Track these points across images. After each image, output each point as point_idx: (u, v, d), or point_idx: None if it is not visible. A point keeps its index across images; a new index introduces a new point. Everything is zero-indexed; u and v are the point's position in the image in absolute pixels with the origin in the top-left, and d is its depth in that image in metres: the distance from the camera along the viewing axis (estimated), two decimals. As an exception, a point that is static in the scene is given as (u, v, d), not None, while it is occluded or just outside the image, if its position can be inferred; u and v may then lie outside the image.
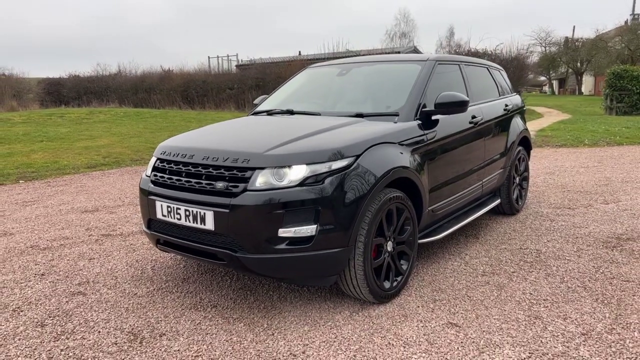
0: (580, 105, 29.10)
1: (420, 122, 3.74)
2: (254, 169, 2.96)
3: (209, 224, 3.00)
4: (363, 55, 24.32)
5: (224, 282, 3.73)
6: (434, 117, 3.84)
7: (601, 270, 3.85)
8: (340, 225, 2.96)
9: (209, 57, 32.48)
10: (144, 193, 3.42)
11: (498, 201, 5.04)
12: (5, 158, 10.08)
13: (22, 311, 3.32)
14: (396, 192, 3.30)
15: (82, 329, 3.05)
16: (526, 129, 5.55)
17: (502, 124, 4.98)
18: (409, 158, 3.46)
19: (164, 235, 3.32)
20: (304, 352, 2.74)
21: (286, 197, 2.88)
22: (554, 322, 3.04)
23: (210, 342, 2.87)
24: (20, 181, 8.30)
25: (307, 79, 4.80)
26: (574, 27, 61.25)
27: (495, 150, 4.85)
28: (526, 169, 5.66)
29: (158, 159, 3.46)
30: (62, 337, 2.96)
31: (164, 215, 3.25)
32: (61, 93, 31.37)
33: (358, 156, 3.11)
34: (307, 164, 2.96)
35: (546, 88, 59.01)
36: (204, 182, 3.08)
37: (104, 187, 7.70)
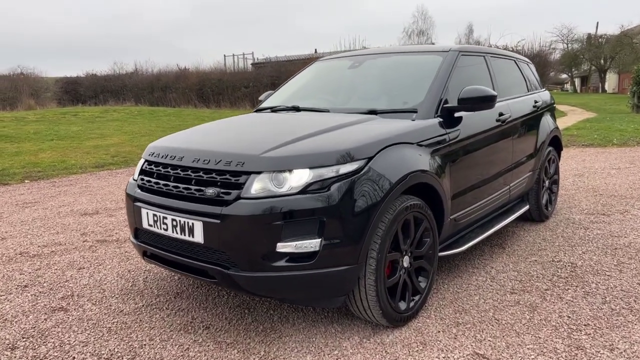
0: (604, 103, 28.16)
1: (441, 119, 3.31)
2: (249, 173, 2.57)
3: (198, 236, 2.61)
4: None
5: (220, 299, 3.35)
6: (456, 115, 3.41)
7: (648, 289, 3.38)
8: (349, 238, 2.55)
9: (224, 56, 32.26)
10: (130, 199, 3.05)
11: (527, 207, 4.57)
12: (13, 157, 9.87)
13: (-6, 330, 2.97)
14: (414, 200, 2.88)
15: (56, 354, 2.69)
16: (557, 128, 5.06)
17: (531, 122, 4.51)
18: (429, 160, 3.03)
19: (151, 247, 2.94)
20: (304, 389, 2.35)
21: (286, 206, 2.48)
22: (599, 355, 2.59)
23: (197, 374, 2.48)
24: (26, 181, 8.06)
25: (316, 73, 4.39)
26: (598, 23, 59.88)
27: (524, 151, 4.39)
28: (556, 172, 5.17)
29: (146, 160, 3.09)
30: (32, 363, 2.60)
31: (149, 225, 2.87)
32: (78, 92, 31.45)
33: (370, 159, 2.69)
34: (311, 168, 2.56)
35: (568, 86, 57.60)
36: (193, 187, 2.70)
37: (109, 187, 7.40)
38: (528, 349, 2.66)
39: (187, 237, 2.66)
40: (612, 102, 28.82)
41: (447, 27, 69.27)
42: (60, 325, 3.02)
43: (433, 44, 29.11)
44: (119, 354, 2.68)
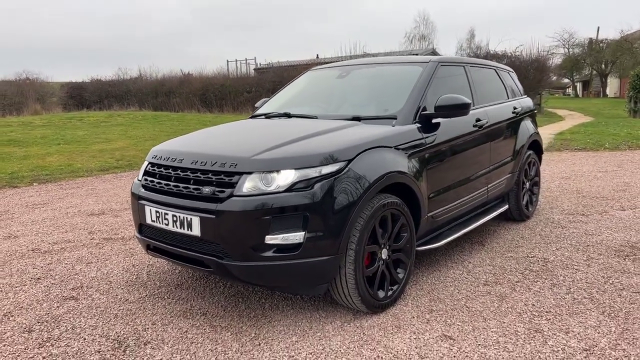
0: (604, 107, 28.42)
1: (419, 125, 3.62)
2: (241, 173, 2.89)
3: (196, 230, 2.93)
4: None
5: (217, 289, 3.66)
6: (434, 121, 3.71)
7: (611, 281, 3.67)
8: (330, 232, 2.86)
9: (227, 61, 32.69)
10: (135, 197, 3.37)
11: (505, 207, 4.87)
12: (21, 161, 10.22)
13: (12, 316, 3.29)
14: (391, 198, 3.19)
15: (68, 336, 3.00)
16: (537, 133, 5.36)
17: (510, 127, 4.82)
18: (406, 162, 3.34)
19: (154, 240, 3.26)
20: (288, 364, 2.65)
21: (273, 203, 2.79)
22: (555, 336, 2.89)
23: (195, 352, 2.79)
24: (34, 184, 8.39)
25: (308, 81, 4.71)
26: (598, 28, 60.10)
27: (503, 154, 4.69)
28: (537, 174, 5.47)
29: (149, 162, 3.41)
30: (47, 343, 2.91)
31: (152, 221, 3.19)
32: (83, 97, 31.87)
33: (350, 161, 3.00)
34: (296, 169, 2.87)
35: (570, 90, 57.84)
36: (191, 186, 3.01)
37: (114, 189, 7.72)
38: (492, 331, 2.95)
39: (186, 231, 2.98)
40: (612, 106, 29.07)
41: (448, 31, 69.58)
42: (72, 312, 3.33)
43: (434, 49, 29.48)
44: (125, 335, 2.99)
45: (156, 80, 31.95)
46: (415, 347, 2.79)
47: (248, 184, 2.86)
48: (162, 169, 3.25)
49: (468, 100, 3.66)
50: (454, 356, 2.69)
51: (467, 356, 2.69)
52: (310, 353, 2.75)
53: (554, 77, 56.64)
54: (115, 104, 29.93)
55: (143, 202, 3.27)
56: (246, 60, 30.81)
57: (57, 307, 3.42)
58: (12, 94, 28.11)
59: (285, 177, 2.85)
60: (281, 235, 2.80)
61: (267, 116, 4.18)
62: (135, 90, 31.03)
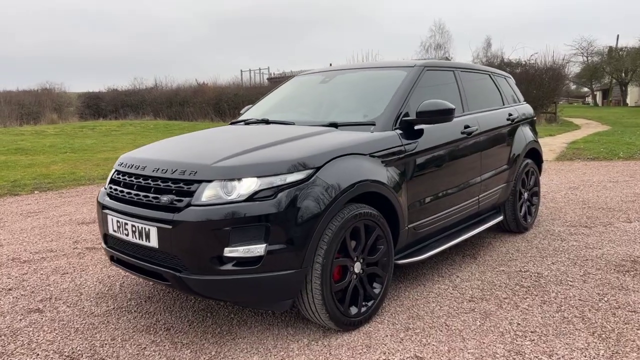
0: (622, 116, 27.74)
1: (401, 132, 3.44)
2: (200, 181, 2.73)
3: (153, 241, 2.78)
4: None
5: (187, 303, 3.50)
6: (417, 127, 3.53)
7: (606, 299, 3.42)
8: (293, 244, 2.69)
9: (241, 71, 32.89)
10: (100, 206, 3.24)
11: (500, 218, 4.63)
12: (26, 169, 10.25)
13: (-29, 329, 3.17)
14: (365, 208, 3.00)
15: (22, 351, 2.87)
16: (535, 141, 5.12)
17: (504, 134, 4.60)
18: (382, 171, 3.16)
19: (116, 252, 3.12)
20: (242, 386, 2.47)
21: (233, 213, 2.63)
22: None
23: (147, 371, 2.63)
24: (35, 192, 8.37)
25: (293, 87, 4.56)
26: (618, 35, 59.02)
27: (496, 163, 4.47)
28: (536, 184, 5.22)
29: (116, 170, 3.29)
30: (-1, 359, 2.78)
31: (114, 231, 3.06)
32: (100, 106, 32.29)
33: (318, 169, 2.83)
34: (259, 177, 2.71)
35: (589, 99, 56.80)
36: (151, 195, 2.87)
37: (111, 198, 7.64)
38: (468, 353, 2.74)
39: (144, 242, 2.83)
40: (631, 115, 28.38)
41: (464, 40, 68.81)
42: (33, 325, 3.20)
43: (449, 58, 29.20)
44: (80, 352, 2.84)
45: (171, 90, 32.26)
46: (383, 370, 2.59)
47: (208, 193, 2.70)
48: (126, 177, 3.12)
49: (452, 106, 3.47)
50: (422, 380, 2.49)
51: (436, 380, 2.48)
52: (269, 374, 2.57)
53: (573, 86, 55.74)
54: (131, 113, 30.27)
55: (107, 211, 3.14)
56: (260, 70, 30.95)
57: (20, 320, 3.29)
58: (30, 103, 28.53)
59: (247, 186, 2.69)
60: (241, 248, 2.64)
61: (247, 122, 4.03)
62: (150, 99, 31.33)
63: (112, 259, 3.21)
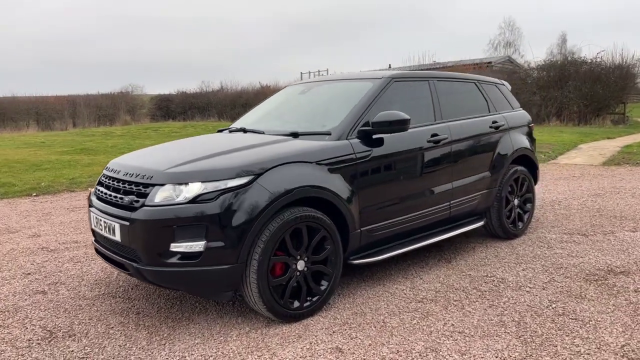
0: None
1: (358, 140, 3.68)
2: (154, 185, 3.15)
3: (117, 236, 3.23)
4: (449, 66, 23.68)
5: (163, 292, 3.93)
6: (375, 136, 3.76)
7: (554, 306, 3.49)
8: (230, 242, 3.04)
9: (301, 73, 33.62)
10: (88, 205, 3.75)
11: (480, 224, 4.72)
12: (84, 168, 11.29)
13: (-15, 305, 3.78)
14: (308, 212, 3.29)
15: (16, 324, 3.42)
16: (526, 147, 5.12)
17: (484, 142, 4.68)
18: (327, 177, 3.43)
19: (98, 244, 3.61)
20: (174, 364, 2.85)
21: (177, 213, 3.02)
22: (447, 357, 2.84)
23: (104, 347, 3.08)
24: (89, 189, 9.27)
25: (280, 96, 4.91)
26: None
27: (474, 170, 4.57)
28: (529, 190, 5.22)
29: (103, 174, 3.78)
30: (-5, 330, 3.35)
31: (94, 226, 3.55)
32: (169, 108, 34.22)
33: (259, 175, 3.16)
34: (202, 182, 3.08)
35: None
36: (119, 196, 3.33)
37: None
38: (387, 347, 2.96)
39: (111, 236, 3.29)
40: None
41: (537, 37, 65.43)
42: (34, 305, 3.76)
43: (509, 57, 28.32)
44: (59, 328, 3.35)
45: (235, 92, 33.62)
46: (301, 357, 2.88)
47: (160, 195, 3.11)
48: (107, 180, 3.61)
49: (406, 116, 3.67)
50: (330, 368, 2.75)
51: (343, 369, 2.74)
52: (201, 355, 2.94)
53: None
54: (197, 115, 31.86)
55: (91, 208, 3.64)
56: (319, 71, 31.50)
57: (25, 299, 3.87)
58: (107, 106, 30.80)
59: (192, 190, 3.07)
60: (185, 244, 3.02)
61: (230, 130, 4.43)
62: (216, 102, 32.83)
63: (97, 250, 3.70)
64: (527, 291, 3.76)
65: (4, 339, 3.22)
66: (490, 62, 25.10)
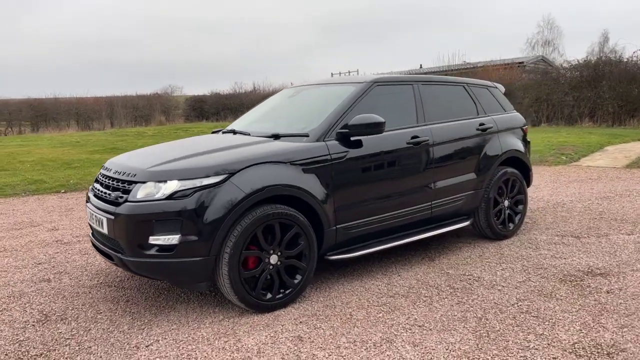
0: None
1: (336, 142, 3.87)
2: (137, 182, 3.43)
3: (105, 229, 3.52)
4: (479, 67, 23.42)
5: (155, 283, 4.22)
6: (353, 138, 3.93)
7: (520, 304, 3.58)
8: (202, 236, 3.28)
9: (332, 74, 33.79)
10: (86, 200, 4.08)
11: (465, 224, 4.82)
12: (112, 166, 11.84)
13: (-5, 290, 4.16)
14: (280, 209, 3.51)
15: (18, 308, 3.77)
16: (517, 149, 5.18)
17: (470, 143, 4.77)
18: (301, 176, 3.63)
19: (93, 237, 3.93)
20: (147, 347, 3.12)
21: (155, 209, 3.29)
22: (399, 348, 3.00)
23: (89, 330, 3.38)
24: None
25: (275, 99, 5.14)
26: None
27: (459, 171, 4.67)
28: (520, 192, 5.27)
29: (99, 172, 4.10)
30: (-1, 312, 3.70)
31: (89, 219, 3.86)
32: (203, 109, 35.08)
33: (232, 174, 3.40)
34: (179, 180, 3.34)
35: None
36: (108, 192, 3.62)
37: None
38: (345, 337, 3.14)
39: (101, 229, 3.59)
40: None
41: (578, 36, 63.31)
42: (37, 291, 4.11)
43: (543, 56, 27.73)
44: (54, 312, 3.67)
45: (267, 93, 34.17)
46: (262, 344, 3.09)
47: (142, 192, 3.39)
48: (102, 177, 3.92)
49: (381, 120, 3.83)
50: (285, 354, 2.95)
51: (297, 356, 2.93)
52: (173, 339, 3.19)
53: None
54: (230, 116, 32.56)
55: (88, 204, 3.96)
56: (349, 72, 31.62)
57: (31, 286, 4.23)
58: (143, 107, 31.85)
59: (170, 187, 3.33)
60: (162, 237, 3.29)
61: (223, 132, 4.69)
62: (248, 102, 33.46)
63: (92, 243, 4.02)
64: (499, 290, 3.86)
65: (4, 320, 3.56)
66: (522, 62, 24.65)
